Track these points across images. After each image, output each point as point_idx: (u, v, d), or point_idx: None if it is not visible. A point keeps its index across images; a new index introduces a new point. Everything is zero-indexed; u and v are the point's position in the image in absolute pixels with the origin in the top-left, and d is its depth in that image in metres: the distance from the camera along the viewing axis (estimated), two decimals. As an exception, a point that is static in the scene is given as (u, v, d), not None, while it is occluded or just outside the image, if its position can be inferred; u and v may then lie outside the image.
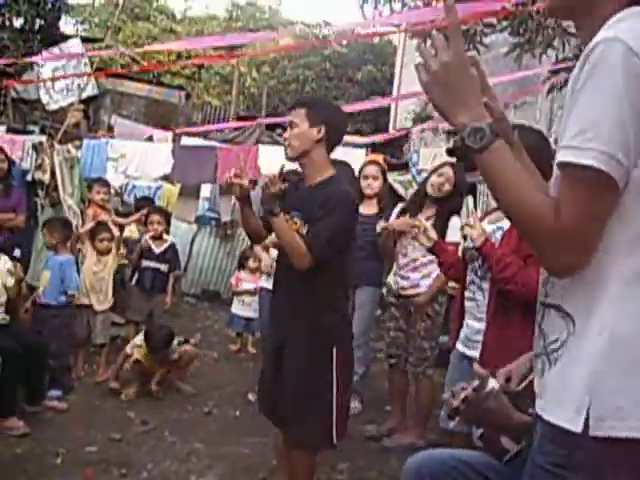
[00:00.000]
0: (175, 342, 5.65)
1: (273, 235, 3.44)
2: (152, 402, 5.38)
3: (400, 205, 4.95)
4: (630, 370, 1.27)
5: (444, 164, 4.59)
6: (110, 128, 11.50)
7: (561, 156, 1.28)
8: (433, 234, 3.65)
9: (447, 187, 4.50)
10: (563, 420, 1.31)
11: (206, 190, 8.57)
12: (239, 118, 12.64)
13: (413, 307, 4.69)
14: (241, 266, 7.54)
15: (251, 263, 7.13)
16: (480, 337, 3.20)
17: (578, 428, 1.28)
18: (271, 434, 3.71)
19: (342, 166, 4.49)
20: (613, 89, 1.23)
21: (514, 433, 1.99)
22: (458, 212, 4.40)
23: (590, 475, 1.28)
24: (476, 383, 1.91)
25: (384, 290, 5.33)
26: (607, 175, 1.23)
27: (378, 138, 10.58)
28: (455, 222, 4.41)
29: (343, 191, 3.25)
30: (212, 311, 8.96)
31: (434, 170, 4.65)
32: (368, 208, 5.10)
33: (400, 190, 8.82)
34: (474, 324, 3.35)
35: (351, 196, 3.30)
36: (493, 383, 1.91)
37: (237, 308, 7.22)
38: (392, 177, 8.87)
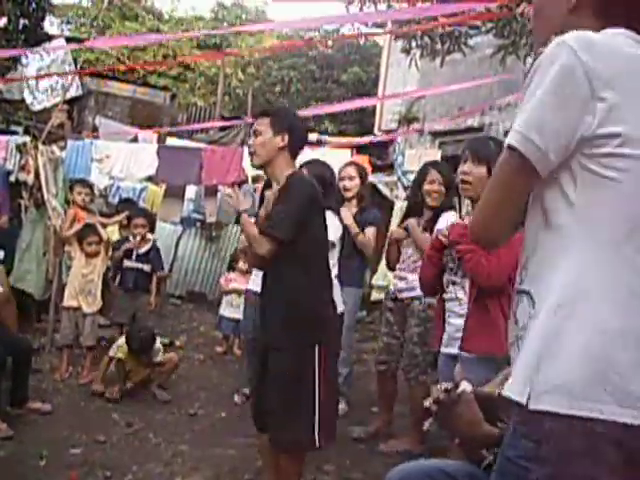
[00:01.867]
0: (158, 344, 5.62)
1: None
2: (137, 404, 5.36)
3: (398, 213, 4.96)
4: (576, 351, 1.32)
5: (427, 169, 4.57)
6: (94, 129, 11.44)
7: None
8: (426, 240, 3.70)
9: (441, 193, 4.48)
10: (513, 392, 1.38)
11: (191, 191, 8.54)
12: (224, 119, 12.61)
13: (408, 312, 4.63)
14: (231, 268, 7.54)
15: (241, 264, 7.12)
16: (461, 334, 3.27)
17: (521, 398, 1.34)
18: (257, 435, 3.70)
19: (321, 166, 4.49)
20: (552, 83, 1.36)
21: (481, 444, 2.00)
22: (450, 207, 4.46)
23: (552, 467, 1.31)
24: (449, 385, 1.93)
25: (381, 294, 5.32)
26: (521, 153, 1.37)
27: (364, 140, 10.60)
28: (445, 217, 4.39)
29: (297, 180, 3.33)
30: (197, 312, 8.94)
31: (422, 177, 4.55)
32: (348, 209, 5.10)
33: (385, 191, 8.83)
34: (456, 321, 3.36)
35: (307, 180, 3.39)
36: (465, 385, 1.93)
37: (226, 310, 7.20)
38: (377, 178, 8.90)
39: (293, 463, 3.37)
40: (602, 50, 1.38)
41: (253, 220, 3.43)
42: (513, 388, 1.39)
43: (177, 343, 7.37)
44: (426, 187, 4.49)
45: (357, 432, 4.79)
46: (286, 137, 3.34)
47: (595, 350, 1.31)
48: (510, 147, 1.39)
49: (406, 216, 4.66)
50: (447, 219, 4.22)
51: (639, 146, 1.37)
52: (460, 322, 3.31)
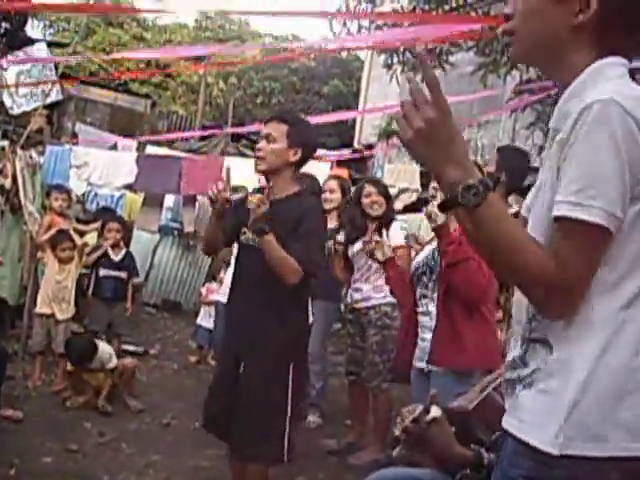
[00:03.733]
0: (107, 350, 5.55)
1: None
2: (110, 413, 5.31)
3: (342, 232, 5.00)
4: (600, 396, 1.35)
5: (362, 185, 4.90)
6: (74, 134, 11.38)
7: (564, 211, 1.32)
8: (388, 250, 3.72)
9: (381, 202, 4.76)
10: (542, 443, 1.36)
11: (169, 200, 8.52)
12: (204, 128, 12.60)
13: (365, 322, 4.74)
14: (212, 277, 7.52)
15: (222, 274, 7.09)
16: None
17: (555, 450, 1.33)
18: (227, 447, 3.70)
19: (308, 179, 4.53)
20: (613, 148, 1.29)
21: (454, 466, 2.02)
22: (393, 218, 4.83)
23: None
24: (417, 412, 1.94)
25: (342, 306, 5.35)
26: (607, 229, 1.30)
27: (344, 154, 10.65)
28: (395, 226, 4.74)
29: (315, 203, 3.31)
30: (172, 321, 8.90)
31: (358, 194, 4.85)
32: (328, 222, 5.12)
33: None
34: (429, 336, 3.39)
35: (321, 207, 3.35)
36: (435, 412, 1.94)
37: (203, 319, 7.16)
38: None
39: (260, 473, 3.35)
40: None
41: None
42: (538, 437, 1.37)
43: (151, 352, 7.33)
44: (365, 201, 4.76)
45: (330, 445, 4.80)
46: (299, 153, 3.22)
47: (614, 396, 1.35)
48: (595, 225, 1.29)
49: (357, 230, 4.81)
50: (397, 228, 4.74)
51: None
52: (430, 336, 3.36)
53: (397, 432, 1.96)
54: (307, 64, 18.67)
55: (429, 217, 3.26)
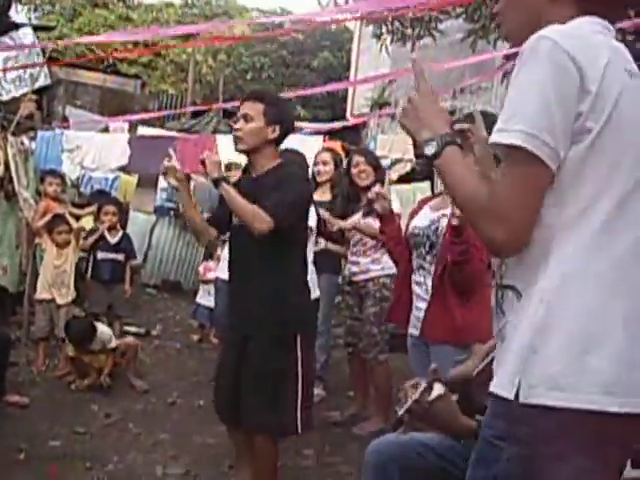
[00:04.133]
0: (106, 330, 5.57)
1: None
2: (115, 394, 5.35)
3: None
4: (562, 342, 1.34)
5: (351, 156, 4.99)
6: (65, 119, 11.31)
7: (491, 138, 1.41)
8: (389, 203, 3.63)
9: (368, 172, 4.80)
10: (499, 388, 1.40)
11: (164, 180, 8.50)
12: (195, 106, 12.52)
13: (363, 293, 4.78)
14: (209, 256, 7.53)
15: (219, 252, 7.09)
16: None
17: (511, 395, 1.36)
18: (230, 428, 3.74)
19: (294, 155, 4.52)
20: (539, 77, 1.36)
21: (459, 436, 2.04)
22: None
23: (522, 447, 1.35)
24: (419, 392, 1.94)
25: (340, 278, 5.37)
26: (532, 154, 1.34)
27: (335, 125, 10.60)
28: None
29: (294, 169, 3.35)
30: (173, 302, 8.92)
31: (349, 165, 4.93)
32: (321, 194, 5.15)
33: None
34: (424, 306, 3.39)
35: (303, 172, 3.38)
36: (438, 389, 1.94)
37: (202, 298, 7.18)
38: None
39: (270, 446, 3.40)
40: (580, 42, 1.39)
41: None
42: (498, 383, 1.42)
43: (153, 332, 7.37)
44: (353, 171, 4.82)
45: (334, 417, 4.85)
46: (277, 129, 3.29)
47: (581, 341, 1.34)
48: (520, 148, 1.35)
49: (349, 201, 4.88)
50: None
51: (603, 142, 1.39)
52: (425, 306, 3.38)
53: (400, 412, 1.97)
54: (296, 37, 18.51)
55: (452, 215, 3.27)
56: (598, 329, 1.34)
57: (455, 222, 3.13)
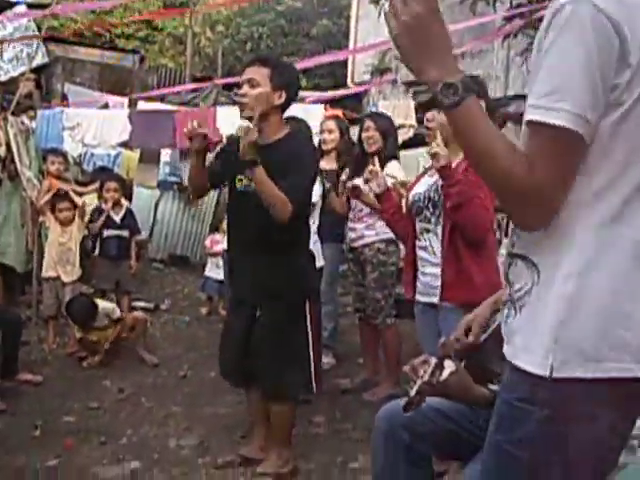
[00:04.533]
0: (105, 304, 5.59)
1: None
2: (127, 369, 5.40)
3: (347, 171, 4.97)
4: (592, 316, 1.33)
5: (363, 120, 4.94)
6: (64, 97, 11.26)
7: (530, 114, 1.30)
8: (384, 181, 3.65)
9: (376, 138, 4.71)
10: (532, 365, 1.36)
11: (166, 154, 8.48)
12: (195, 80, 12.44)
13: (362, 260, 4.78)
14: (215, 228, 7.53)
15: (225, 224, 7.09)
16: (439, 282, 3.33)
17: (546, 372, 1.33)
18: (245, 392, 3.78)
19: (297, 123, 4.49)
20: (583, 49, 1.26)
21: (473, 405, 2.03)
22: (395, 156, 4.77)
23: (553, 410, 1.34)
24: (430, 371, 1.92)
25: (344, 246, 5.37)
26: (576, 133, 1.27)
27: (337, 93, 10.53)
28: (393, 166, 4.66)
29: (305, 144, 3.31)
30: (180, 275, 8.95)
31: (360, 129, 4.84)
32: (327, 163, 5.12)
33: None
34: (432, 270, 3.39)
35: (312, 147, 3.36)
36: (449, 367, 1.91)
37: (211, 271, 7.21)
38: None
39: (286, 413, 3.48)
40: (624, 6, 1.28)
41: None
42: (529, 360, 1.37)
43: (162, 307, 7.40)
44: (362, 135, 4.76)
45: (345, 384, 4.88)
46: (284, 95, 3.21)
47: (612, 313, 1.34)
48: (562, 128, 1.27)
49: (357, 167, 4.76)
50: (395, 167, 4.65)
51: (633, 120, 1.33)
52: (435, 271, 3.36)
53: (412, 393, 1.93)
54: (294, 5, 18.32)
55: (432, 157, 3.23)
56: (627, 301, 1.33)
57: (441, 162, 3.13)
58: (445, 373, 1.91)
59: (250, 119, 3.23)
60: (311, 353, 3.47)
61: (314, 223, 4.34)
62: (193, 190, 3.71)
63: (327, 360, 5.22)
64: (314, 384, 3.49)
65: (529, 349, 1.38)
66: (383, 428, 2.24)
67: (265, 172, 3.10)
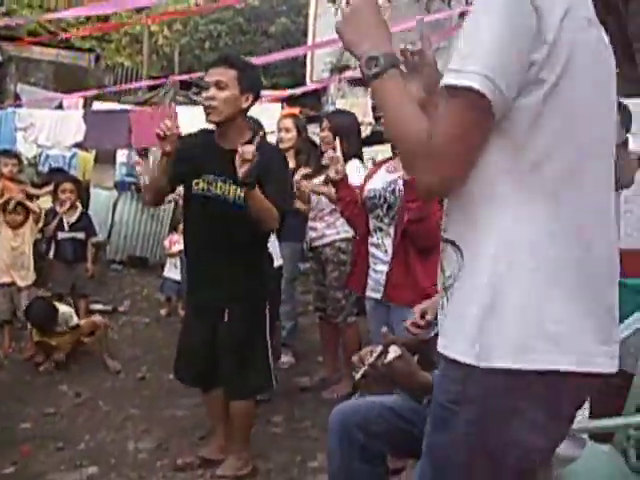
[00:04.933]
0: (65, 309, 5.50)
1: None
2: (84, 373, 5.33)
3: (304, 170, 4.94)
4: (516, 304, 1.31)
5: (321, 119, 4.89)
6: (17, 97, 11.07)
7: (445, 79, 1.32)
8: (342, 168, 3.58)
9: (329, 139, 4.53)
10: (458, 353, 1.34)
11: (122, 155, 8.41)
12: (152, 79, 12.33)
13: (323, 259, 4.77)
14: (174, 229, 7.47)
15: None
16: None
17: (471, 360, 1.31)
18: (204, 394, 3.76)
19: (253, 124, 4.47)
20: (498, 20, 1.28)
21: (420, 392, 2.05)
22: (357, 155, 4.64)
23: (481, 407, 1.33)
24: (374, 356, 1.94)
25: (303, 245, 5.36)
26: (483, 96, 1.27)
27: (295, 91, 10.51)
28: (350, 166, 4.46)
29: (274, 148, 3.30)
30: (140, 277, 8.86)
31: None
32: None
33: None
34: (384, 268, 3.40)
35: (277, 149, 3.37)
36: (393, 352, 1.94)
37: (170, 271, 7.16)
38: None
39: (247, 413, 3.50)
40: None
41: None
42: (455, 348, 1.36)
43: (120, 309, 7.32)
44: (320, 135, 4.70)
45: (304, 382, 4.88)
46: (251, 98, 3.15)
47: (537, 304, 1.31)
48: (472, 90, 1.27)
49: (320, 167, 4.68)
50: (352, 167, 4.37)
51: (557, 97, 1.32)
52: (386, 268, 3.38)
53: (357, 377, 1.97)
54: (252, 3, 18.26)
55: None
56: (552, 292, 1.32)
57: (407, 176, 3.09)
58: (389, 356, 1.93)
59: (217, 124, 3.19)
60: (269, 354, 3.48)
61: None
62: (153, 195, 3.52)
63: (286, 359, 5.22)
64: (274, 382, 3.54)
65: (457, 338, 1.36)
66: (337, 429, 2.25)
67: (234, 176, 3.03)
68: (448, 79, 1.31)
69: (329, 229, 4.72)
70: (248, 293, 3.34)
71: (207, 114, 3.14)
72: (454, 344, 1.37)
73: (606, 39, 1.47)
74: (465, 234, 1.39)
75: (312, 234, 4.86)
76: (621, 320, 2.63)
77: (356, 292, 3.66)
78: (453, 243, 1.42)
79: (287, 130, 5.16)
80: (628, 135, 3.33)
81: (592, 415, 2.30)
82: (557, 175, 1.33)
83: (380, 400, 2.27)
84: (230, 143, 3.15)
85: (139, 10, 12.06)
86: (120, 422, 4.40)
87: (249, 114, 3.65)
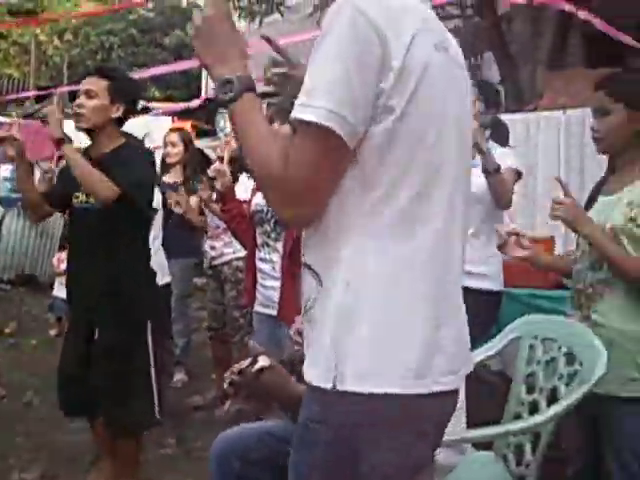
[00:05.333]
0: None
1: None
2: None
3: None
4: (369, 329, 1.32)
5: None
6: None
7: (293, 113, 1.30)
8: (228, 180, 3.59)
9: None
10: (317, 379, 1.34)
11: (6, 170, 8.09)
12: (40, 89, 11.93)
13: (222, 278, 4.76)
14: (62, 247, 7.24)
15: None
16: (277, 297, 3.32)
17: (328, 384, 1.32)
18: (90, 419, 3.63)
19: (135, 140, 4.40)
20: (344, 50, 1.27)
21: (297, 405, 2.06)
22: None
23: (338, 430, 1.32)
24: (242, 365, 1.95)
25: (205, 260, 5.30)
26: (331, 131, 1.26)
27: (185, 105, 10.40)
28: (243, 179, 4.56)
29: (138, 148, 3.24)
30: (29, 296, 8.55)
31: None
32: (171, 176, 5.07)
33: (212, 156, 8.76)
34: (273, 284, 3.38)
35: (148, 155, 3.29)
36: (263, 361, 1.94)
37: (59, 290, 6.91)
38: (204, 143, 8.81)
39: (131, 444, 3.33)
40: (388, 10, 1.31)
41: None
42: (314, 373, 1.36)
43: (6, 330, 7.03)
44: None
45: (197, 401, 4.81)
46: (122, 108, 3.17)
47: (389, 329, 1.33)
48: (320, 125, 1.26)
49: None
50: (242, 181, 4.47)
51: (408, 123, 1.32)
52: (274, 284, 3.36)
53: (224, 385, 1.97)
54: (146, 15, 18.01)
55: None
56: (404, 317, 1.33)
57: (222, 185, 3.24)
58: (256, 366, 1.93)
59: (85, 130, 3.17)
60: (153, 379, 3.25)
61: (157, 238, 4.26)
62: (30, 210, 3.52)
63: (179, 377, 5.14)
64: (157, 414, 3.28)
65: (316, 363, 1.36)
66: (216, 455, 2.24)
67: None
68: (297, 113, 1.29)
69: (227, 247, 4.70)
70: (120, 310, 3.18)
71: (75, 121, 3.16)
72: (312, 369, 1.37)
73: (460, 61, 1.51)
74: (321, 261, 1.39)
75: (212, 253, 4.83)
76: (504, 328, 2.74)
77: (246, 304, 3.63)
78: (309, 267, 1.41)
79: (173, 145, 5.12)
80: (504, 162, 3.41)
81: (484, 421, 2.35)
82: (407, 203, 1.34)
83: (262, 425, 2.27)
84: (99, 149, 3.19)
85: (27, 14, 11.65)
86: (4, 451, 4.20)
87: (139, 127, 3.62)
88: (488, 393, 4.21)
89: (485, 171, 3.22)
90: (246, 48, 1.45)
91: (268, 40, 1.78)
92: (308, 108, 1.27)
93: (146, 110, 9.70)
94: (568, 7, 5.40)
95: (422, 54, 1.33)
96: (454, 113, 1.43)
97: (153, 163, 3.35)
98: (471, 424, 2.18)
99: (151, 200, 3.36)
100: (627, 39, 5.44)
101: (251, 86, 1.37)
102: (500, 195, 3.32)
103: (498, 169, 3.23)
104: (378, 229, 1.33)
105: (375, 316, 1.32)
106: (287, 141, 1.35)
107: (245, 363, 1.95)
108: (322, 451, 1.34)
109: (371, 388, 1.30)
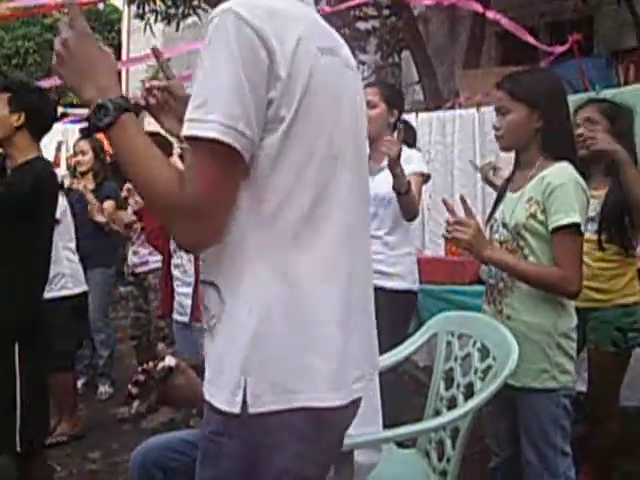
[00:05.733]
0: None
1: None
2: None
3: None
4: (277, 347, 1.29)
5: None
6: None
7: (185, 130, 1.25)
8: (139, 198, 3.57)
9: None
10: (220, 402, 1.30)
11: None
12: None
13: (147, 285, 4.70)
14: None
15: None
16: (190, 301, 3.30)
17: (235, 409, 1.27)
18: None
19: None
20: (229, 61, 1.23)
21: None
22: None
23: (245, 443, 1.30)
24: (148, 365, 1.93)
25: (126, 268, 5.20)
26: (229, 146, 1.22)
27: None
28: None
29: (37, 164, 3.16)
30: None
31: None
32: (85, 185, 4.94)
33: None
34: (184, 290, 3.35)
35: (43, 169, 3.19)
36: (168, 361, 1.92)
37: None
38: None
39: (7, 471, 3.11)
40: (271, 15, 1.27)
41: None
42: (218, 397, 1.31)
43: None
44: None
45: (122, 413, 4.71)
46: (23, 116, 3.14)
47: (300, 344, 1.30)
48: (216, 141, 1.21)
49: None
50: None
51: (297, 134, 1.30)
52: (185, 290, 3.33)
53: (129, 386, 1.94)
54: (62, 19, 17.56)
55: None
56: (314, 330, 1.31)
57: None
58: (161, 364, 1.92)
59: None
60: (18, 407, 2.94)
61: (66, 248, 4.18)
62: None
63: (104, 389, 5.04)
64: (18, 442, 2.95)
65: (218, 384, 1.31)
66: (137, 466, 2.17)
67: None
68: (189, 130, 1.23)
69: (152, 256, 4.62)
70: None
71: None
72: (215, 388, 1.33)
73: (351, 63, 1.50)
74: (222, 277, 1.34)
75: (134, 259, 4.76)
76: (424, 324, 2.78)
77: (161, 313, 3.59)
78: (212, 284, 1.36)
79: (83, 153, 5.02)
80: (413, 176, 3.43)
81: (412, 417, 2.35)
82: (300, 217, 1.32)
83: (180, 434, 2.23)
84: (14, 161, 3.18)
85: None
86: None
87: (53, 134, 3.54)
88: (414, 388, 4.29)
89: (396, 191, 3.22)
90: (114, 64, 1.38)
91: (155, 53, 1.75)
92: (203, 124, 1.22)
93: (64, 116, 9.47)
94: (476, 6, 5.50)
95: (307, 59, 1.30)
96: (348, 113, 1.43)
97: (52, 172, 3.29)
98: (397, 420, 2.19)
99: (36, 205, 3.09)
100: (530, 38, 5.58)
101: (126, 106, 1.30)
102: (407, 211, 3.34)
103: (408, 190, 3.23)
104: (277, 239, 1.30)
105: (282, 332, 1.29)
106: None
107: (151, 363, 1.92)
108: (226, 466, 1.31)
109: (286, 405, 1.27)
